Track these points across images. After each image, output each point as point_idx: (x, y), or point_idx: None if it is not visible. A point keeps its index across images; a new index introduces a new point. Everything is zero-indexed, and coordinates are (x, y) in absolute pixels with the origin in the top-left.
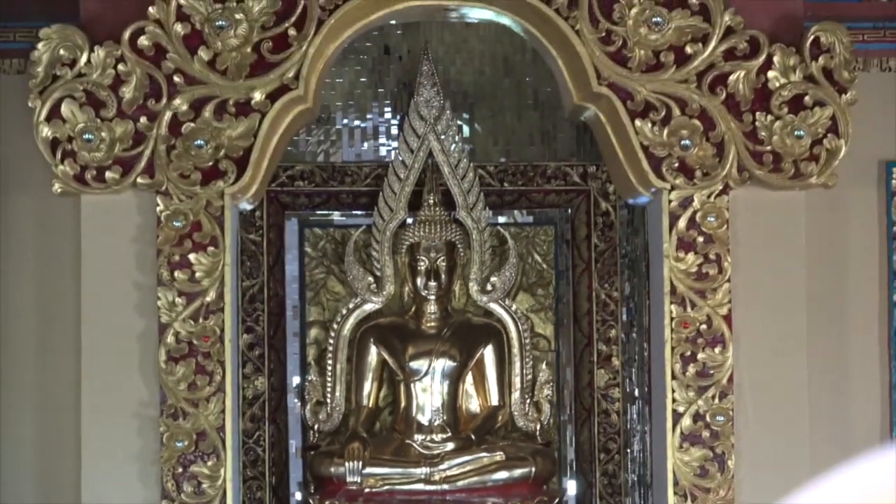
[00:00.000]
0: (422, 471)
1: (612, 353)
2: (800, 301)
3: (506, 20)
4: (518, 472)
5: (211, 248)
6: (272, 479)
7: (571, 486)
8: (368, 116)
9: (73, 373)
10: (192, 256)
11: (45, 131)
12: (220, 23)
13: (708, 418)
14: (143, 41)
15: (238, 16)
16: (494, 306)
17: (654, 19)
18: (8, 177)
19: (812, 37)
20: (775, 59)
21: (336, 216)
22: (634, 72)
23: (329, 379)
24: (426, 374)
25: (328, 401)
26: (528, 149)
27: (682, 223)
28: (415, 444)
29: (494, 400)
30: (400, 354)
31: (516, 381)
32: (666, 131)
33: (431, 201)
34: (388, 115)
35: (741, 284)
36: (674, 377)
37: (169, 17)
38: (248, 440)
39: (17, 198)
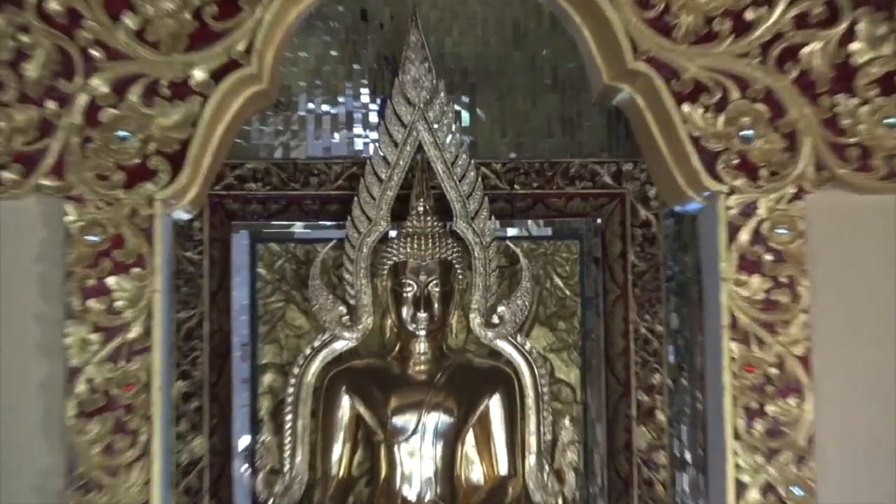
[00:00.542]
0: None
1: (655, 406)
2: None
3: None
4: None
5: (136, 270)
6: None
7: None
8: (340, 100)
9: None
10: (111, 280)
11: None
12: None
13: (781, 491)
14: (52, 5)
15: None
16: (503, 344)
17: None
18: None
19: None
20: (860, 26)
21: (298, 228)
22: (681, 43)
23: (288, 440)
24: (414, 432)
25: (286, 468)
26: (545, 141)
27: (743, 236)
28: None
29: (503, 467)
30: (380, 407)
31: (532, 442)
32: (722, 119)
33: (421, 209)
34: (364, 99)
35: (821, 315)
36: (736, 437)
37: None
38: None
39: None
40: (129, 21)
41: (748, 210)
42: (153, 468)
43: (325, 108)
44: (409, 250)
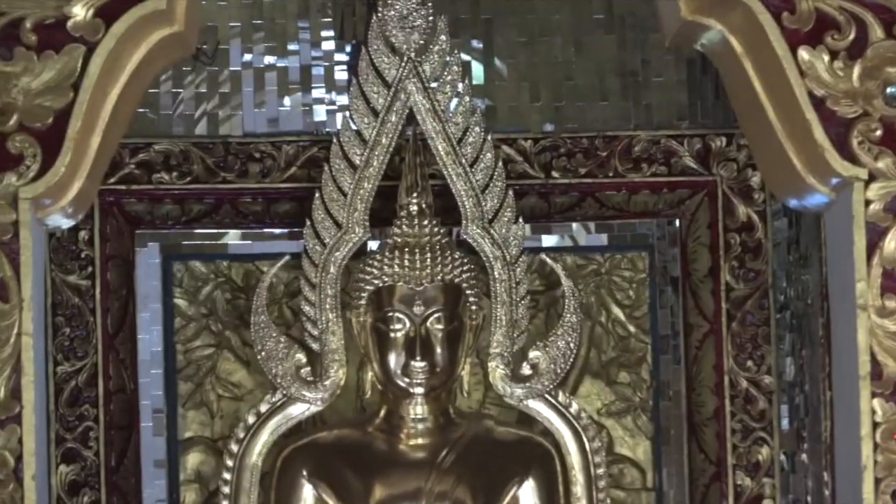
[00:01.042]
0: None
1: (762, 493)
2: None
3: None
4: None
5: None
6: None
7: None
8: (291, 48)
9: None
10: None
11: None
12: None
13: None
14: None
15: None
16: (538, 406)
17: None
18: None
19: None
20: None
21: (233, 238)
22: None
23: None
24: None
25: None
26: (595, 107)
27: (891, 244)
28: None
29: None
30: (358, 500)
31: None
32: (857, 69)
33: (415, 209)
34: (328, 46)
35: None
36: None
37: None
38: None
39: None
40: None
41: None
42: None
43: (268, 59)
44: (397, 270)
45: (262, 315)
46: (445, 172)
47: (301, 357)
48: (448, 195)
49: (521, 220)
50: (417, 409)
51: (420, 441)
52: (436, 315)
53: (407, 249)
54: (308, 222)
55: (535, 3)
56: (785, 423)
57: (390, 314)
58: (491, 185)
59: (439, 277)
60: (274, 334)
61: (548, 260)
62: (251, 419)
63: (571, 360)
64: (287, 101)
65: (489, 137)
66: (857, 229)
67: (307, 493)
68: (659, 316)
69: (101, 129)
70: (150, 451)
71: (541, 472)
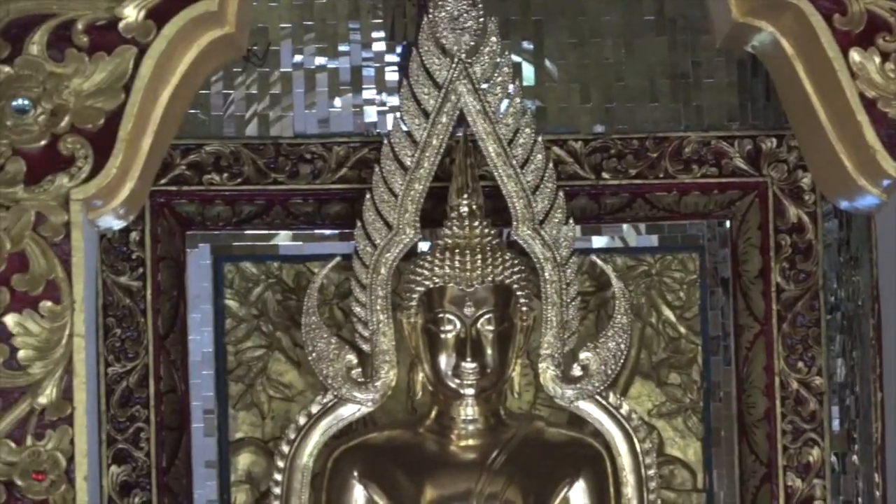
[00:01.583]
0: None
1: (813, 495)
2: None
3: None
4: None
5: (46, 305)
6: None
7: None
8: (342, 49)
9: None
10: (9, 320)
11: None
12: None
13: None
14: None
15: None
16: (588, 407)
17: None
18: None
19: None
20: None
21: (284, 239)
22: None
23: None
24: None
25: None
26: (646, 108)
27: None
28: None
29: None
30: (408, 501)
31: None
32: None
33: (465, 210)
34: (378, 48)
35: None
36: None
37: None
38: None
39: None
40: None
41: None
42: None
43: (319, 60)
44: (448, 271)
45: (313, 316)
46: (496, 174)
47: (352, 358)
48: (498, 196)
49: (571, 221)
50: (468, 411)
51: (470, 442)
52: (486, 316)
53: (458, 251)
54: (359, 223)
55: (586, 5)
56: (836, 424)
57: (441, 315)
58: (541, 186)
59: (490, 279)
60: (325, 335)
61: (598, 261)
62: (302, 420)
63: (622, 361)
64: (337, 102)
65: (540, 139)
66: None
67: (358, 493)
68: (709, 317)
69: (152, 130)
70: (200, 451)
71: (591, 474)
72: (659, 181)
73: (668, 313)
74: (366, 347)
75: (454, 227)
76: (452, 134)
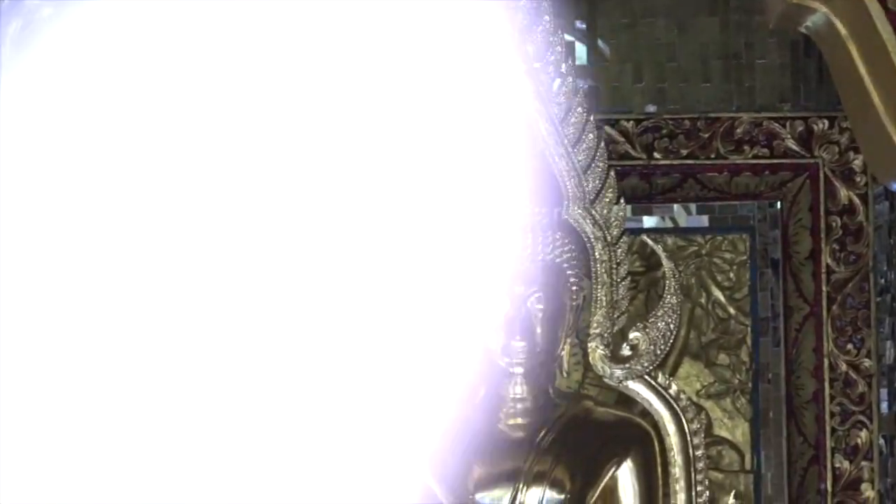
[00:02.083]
0: None
1: (861, 477)
2: None
3: None
4: None
5: None
6: None
7: None
8: None
9: None
10: None
11: None
12: None
13: None
14: None
15: None
16: (637, 387)
17: None
18: None
19: None
20: None
21: None
22: None
23: None
24: None
25: None
26: (698, 89)
27: None
28: None
29: None
30: (457, 479)
31: None
32: None
33: None
34: None
35: None
36: None
37: None
38: None
39: None
40: None
41: None
42: None
43: None
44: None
45: None
46: (547, 153)
47: None
48: (549, 175)
49: (622, 200)
50: (517, 389)
51: (519, 421)
52: (536, 295)
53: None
54: None
55: None
56: (884, 406)
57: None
58: (592, 165)
59: (540, 257)
60: None
61: (648, 241)
62: None
63: (671, 341)
64: None
65: (591, 118)
66: None
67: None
68: (759, 298)
69: None
70: None
71: (639, 454)
72: (710, 162)
73: (717, 294)
74: None
75: None
76: None
